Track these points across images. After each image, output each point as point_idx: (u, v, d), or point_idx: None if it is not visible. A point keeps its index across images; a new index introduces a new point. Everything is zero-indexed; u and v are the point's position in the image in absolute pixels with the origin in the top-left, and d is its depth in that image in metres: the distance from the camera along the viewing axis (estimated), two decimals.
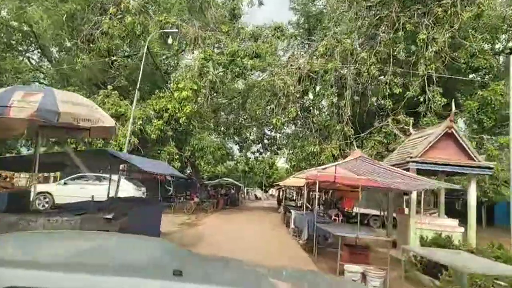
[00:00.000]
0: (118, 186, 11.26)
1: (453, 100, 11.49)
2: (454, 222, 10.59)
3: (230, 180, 30.97)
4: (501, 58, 22.03)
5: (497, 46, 22.24)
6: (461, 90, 19.79)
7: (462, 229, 10.25)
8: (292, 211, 13.03)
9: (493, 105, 17.45)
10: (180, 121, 17.50)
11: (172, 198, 24.36)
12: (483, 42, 18.74)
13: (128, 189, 16.60)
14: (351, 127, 17.76)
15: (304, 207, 12.54)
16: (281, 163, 60.11)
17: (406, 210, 11.39)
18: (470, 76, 19.01)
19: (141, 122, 17.27)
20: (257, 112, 20.91)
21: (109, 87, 18.36)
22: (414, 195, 10.26)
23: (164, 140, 19.82)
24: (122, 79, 21.56)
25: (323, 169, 9.23)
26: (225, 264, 2.32)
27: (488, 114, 17.62)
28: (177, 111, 17.23)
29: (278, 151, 24.52)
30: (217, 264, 2.23)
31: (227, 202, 28.66)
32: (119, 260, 1.78)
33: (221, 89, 23.99)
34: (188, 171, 27.48)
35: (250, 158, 29.78)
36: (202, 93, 18.03)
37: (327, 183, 11.05)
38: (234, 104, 27.80)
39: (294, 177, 9.90)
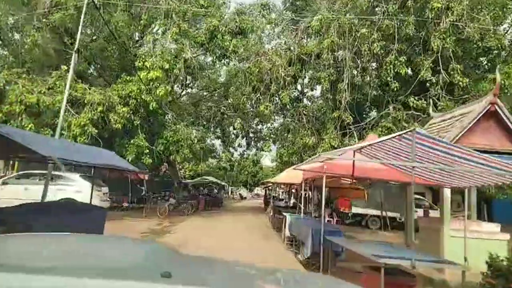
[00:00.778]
0: (46, 188, 8.60)
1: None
2: (495, 227, 8.27)
3: (212, 178, 28.17)
4: (506, 42, 20.27)
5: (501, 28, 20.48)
6: (469, 75, 17.75)
7: (507, 236, 7.95)
8: (285, 214, 10.44)
9: (506, 90, 15.47)
10: (150, 107, 14.59)
11: (145, 199, 21.53)
12: (494, 19, 16.75)
13: (84, 190, 13.68)
14: (350, 115, 15.34)
15: (302, 209, 9.93)
16: (266, 161, 57.91)
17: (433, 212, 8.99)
18: (481, 59, 16.93)
19: (101, 108, 14.29)
20: (242, 100, 18.22)
21: (63, 67, 15.26)
22: (447, 193, 7.86)
23: (133, 132, 16.92)
24: (83, 62, 18.45)
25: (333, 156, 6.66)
26: (216, 265, 2.20)
27: (502, 99, 15.65)
28: (143, 95, 14.31)
29: (264, 148, 21.84)
30: (207, 265, 2.10)
31: (209, 202, 25.92)
32: (106, 263, 1.72)
33: (200, 75, 21.19)
34: (164, 169, 24.56)
35: (233, 153, 26.98)
36: (176, 74, 15.11)
37: (332, 178, 8.57)
38: (216, 96, 25.08)
39: (295, 168, 7.32)
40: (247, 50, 20.83)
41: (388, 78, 14.08)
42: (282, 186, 24.30)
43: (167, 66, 14.11)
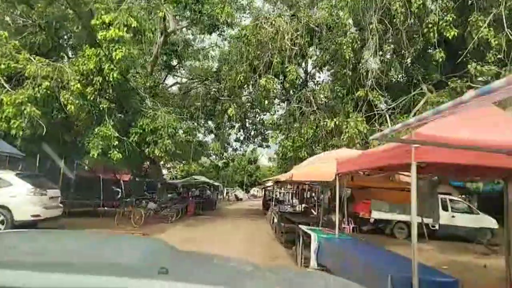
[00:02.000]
0: None
1: None
2: None
3: (203, 178, 24.57)
4: None
5: None
6: None
7: None
8: (306, 229, 6.79)
9: None
10: (111, 77, 10.90)
11: (121, 204, 17.95)
12: None
13: (20, 192, 9.95)
14: (380, 94, 11.81)
15: (337, 223, 6.22)
16: (263, 161, 54.52)
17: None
18: None
19: (48, 83, 10.56)
20: (238, 79, 14.62)
21: (3, 32, 11.52)
22: None
23: (100, 119, 13.30)
24: (40, 33, 14.71)
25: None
26: (214, 261, 2.14)
27: None
28: (103, 63, 10.63)
29: (271, 139, 18.28)
30: (205, 261, 2.06)
31: (200, 205, 22.33)
32: (103, 259, 1.69)
33: (187, 54, 17.57)
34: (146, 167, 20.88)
35: (227, 148, 23.41)
36: (150, 39, 11.45)
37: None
38: (207, 83, 21.57)
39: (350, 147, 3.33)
40: (243, 29, 17.32)
41: (434, 41, 10.55)
42: (289, 187, 20.71)
43: (135, 24, 10.41)
